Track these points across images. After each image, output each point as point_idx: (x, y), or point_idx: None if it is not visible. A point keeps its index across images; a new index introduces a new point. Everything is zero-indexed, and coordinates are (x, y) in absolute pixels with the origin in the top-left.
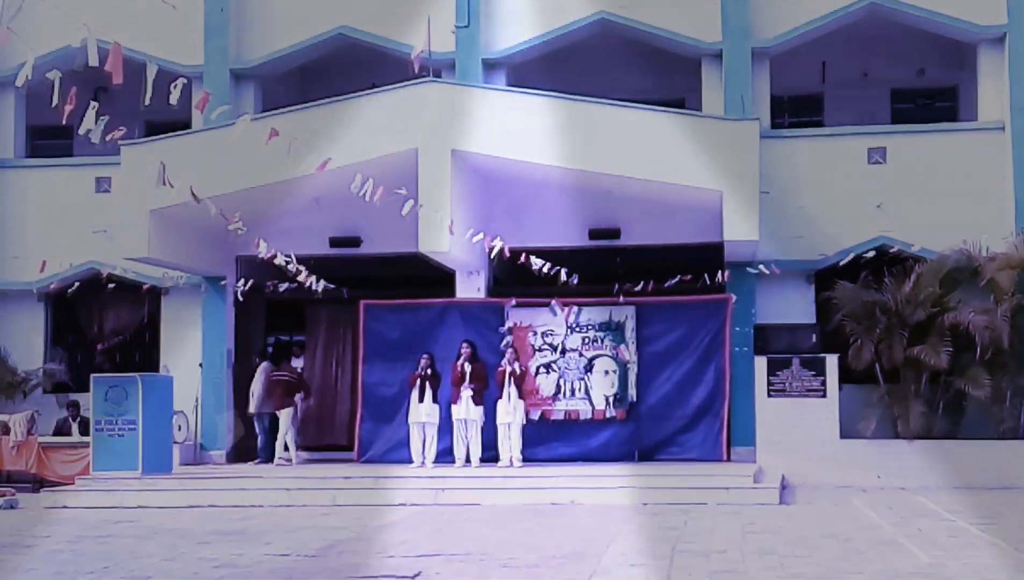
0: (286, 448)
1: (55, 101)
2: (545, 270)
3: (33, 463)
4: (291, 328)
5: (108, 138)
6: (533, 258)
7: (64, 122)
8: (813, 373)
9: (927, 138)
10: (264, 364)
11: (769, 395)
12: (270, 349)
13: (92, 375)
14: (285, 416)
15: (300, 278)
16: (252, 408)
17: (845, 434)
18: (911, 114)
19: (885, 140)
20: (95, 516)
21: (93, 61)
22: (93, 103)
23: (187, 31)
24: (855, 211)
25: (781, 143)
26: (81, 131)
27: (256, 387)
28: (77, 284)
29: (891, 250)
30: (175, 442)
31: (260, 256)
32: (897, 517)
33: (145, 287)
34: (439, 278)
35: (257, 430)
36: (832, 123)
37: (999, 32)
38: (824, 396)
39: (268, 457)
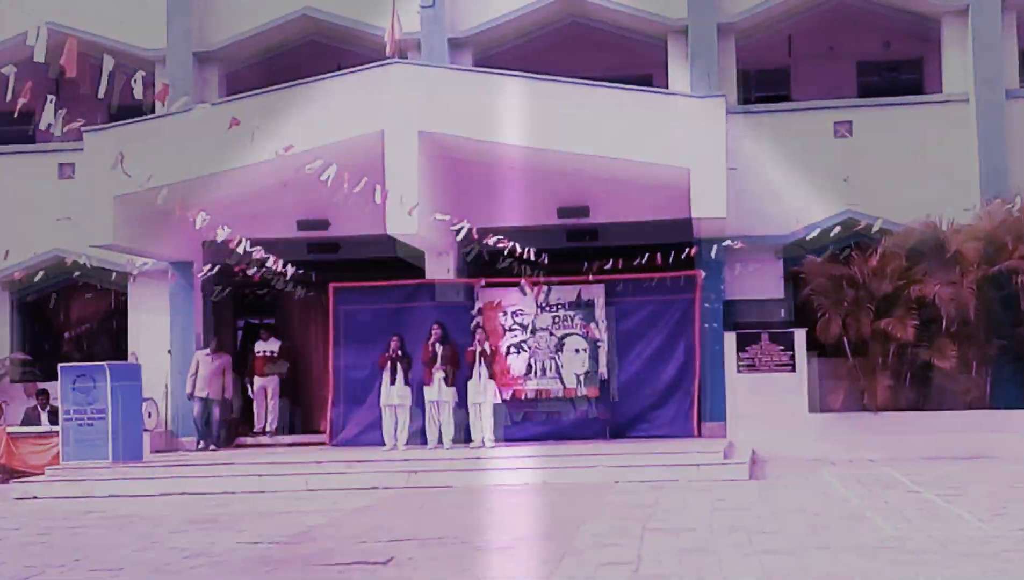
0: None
1: (9, 96)
2: (514, 250)
3: (1, 453)
4: (261, 312)
5: (66, 129)
6: (501, 238)
7: (16, 115)
8: (782, 348)
9: (892, 111)
10: (205, 350)
11: (739, 370)
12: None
13: (59, 364)
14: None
15: (267, 263)
16: (199, 392)
17: (814, 408)
18: (877, 88)
19: (851, 113)
20: (66, 506)
21: (40, 58)
22: (50, 96)
23: (149, 14)
24: (822, 185)
25: (748, 118)
26: (42, 125)
27: (203, 371)
28: (42, 273)
29: (857, 224)
30: (145, 429)
31: (221, 241)
32: (865, 490)
33: (112, 274)
34: (410, 260)
35: (202, 415)
36: (799, 97)
37: (962, 4)
38: (793, 370)
39: (215, 440)
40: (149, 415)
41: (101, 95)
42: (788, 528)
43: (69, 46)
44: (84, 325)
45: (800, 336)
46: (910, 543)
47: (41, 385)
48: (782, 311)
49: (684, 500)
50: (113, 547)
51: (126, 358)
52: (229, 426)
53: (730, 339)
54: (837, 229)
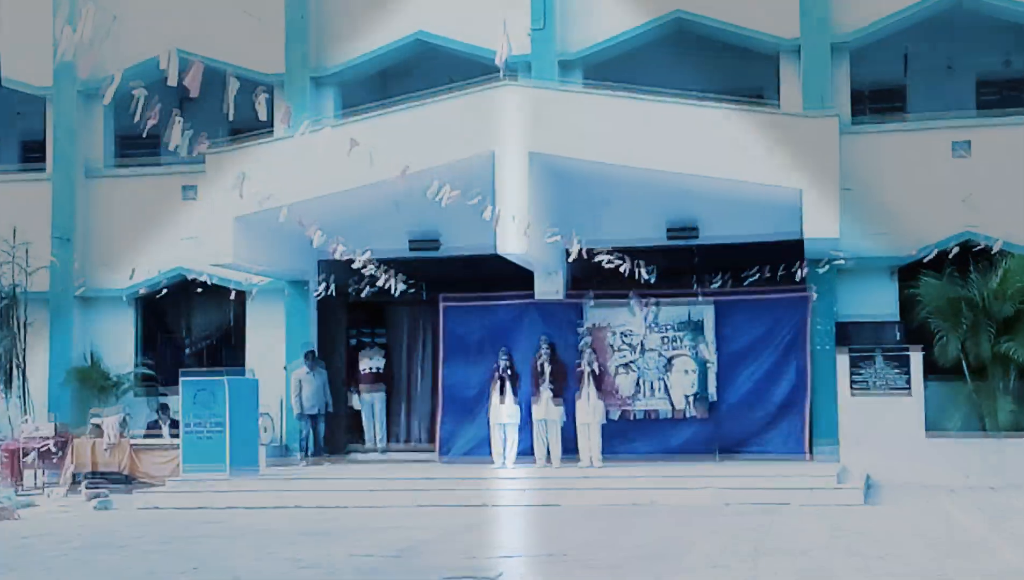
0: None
1: (138, 117)
2: (623, 269)
3: (125, 463)
4: (372, 329)
5: (195, 153)
6: (611, 257)
7: (144, 136)
8: (897, 369)
9: (1013, 129)
10: (304, 369)
11: (852, 392)
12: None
13: (181, 378)
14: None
15: (379, 280)
16: (308, 410)
17: (931, 431)
18: (997, 104)
19: (969, 132)
20: (186, 516)
21: (172, 81)
22: (177, 117)
23: (268, 40)
24: (939, 205)
25: (862, 137)
26: (170, 146)
27: (306, 388)
28: (165, 290)
29: (976, 244)
30: (261, 443)
31: (337, 258)
32: (987, 517)
33: (231, 292)
34: (518, 278)
35: (305, 431)
36: (916, 115)
37: None
38: (909, 393)
39: (323, 453)
40: (265, 430)
41: (230, 117)
42: (907, 555)
43: (195, 69)
44: (204, 340)
45: (916, 357)
46: None
47: (163, 399)
48: (896, 333)
49: (797, 523)
50: (230, 557)
51: (244, 373)
52: (337, 439)
53: (843, 360)
54: (955, 249)
